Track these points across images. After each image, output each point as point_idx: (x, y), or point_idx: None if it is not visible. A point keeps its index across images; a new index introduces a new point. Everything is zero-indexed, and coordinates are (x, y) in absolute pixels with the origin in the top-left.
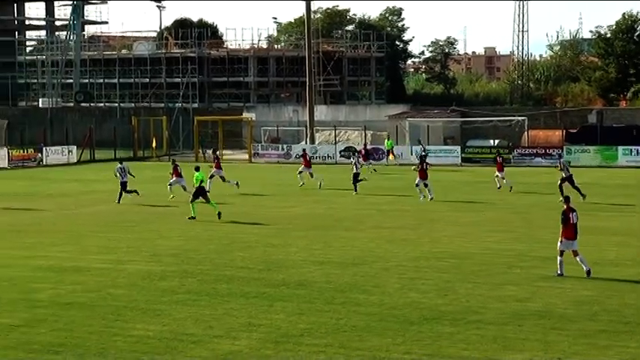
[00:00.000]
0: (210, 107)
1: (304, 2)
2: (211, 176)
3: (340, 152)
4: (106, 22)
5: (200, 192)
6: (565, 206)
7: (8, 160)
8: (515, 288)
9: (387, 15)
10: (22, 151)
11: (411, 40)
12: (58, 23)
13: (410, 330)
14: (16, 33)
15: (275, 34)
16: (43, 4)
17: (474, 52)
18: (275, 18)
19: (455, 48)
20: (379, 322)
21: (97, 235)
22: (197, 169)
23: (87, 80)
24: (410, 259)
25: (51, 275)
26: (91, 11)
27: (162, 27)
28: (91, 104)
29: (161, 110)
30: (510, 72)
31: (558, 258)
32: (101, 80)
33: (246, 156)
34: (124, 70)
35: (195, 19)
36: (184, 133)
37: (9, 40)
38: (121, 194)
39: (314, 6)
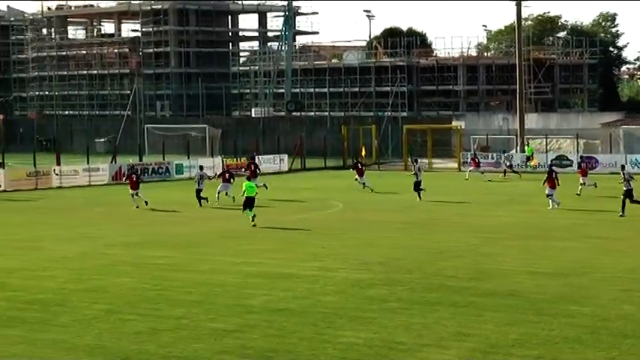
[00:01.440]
0: (419, 116)
1: (515, 9)
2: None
3: (551, 161)
4: (317, 33)
5: (249, 201)
6: None
7: (222, 168)
8: None
9: (600, 21)
10: (235, 159)
11: (625, 46)
12: (270, 34)
13: (624, 343)
14: (230, 44)
15: (485, 41)
16: (256, 16)
17: None
18: (485, 26)
19: None
20: (592, 334)
21: (306, 242)
22: (249, 178)
23: (297, 90)
24: (625, 271)
25: (263, 282)
26: (302, 22)
27: (372, 36)
28: (302, 113)
29: (370, 119)
30: None
31: None
32: (312, 90)
33: (455, 164)
34: (334, 80)
35: (404, 27)
36: (393, 142)
37: (223, 51)
38: (200, 199)
39: (525, 13)
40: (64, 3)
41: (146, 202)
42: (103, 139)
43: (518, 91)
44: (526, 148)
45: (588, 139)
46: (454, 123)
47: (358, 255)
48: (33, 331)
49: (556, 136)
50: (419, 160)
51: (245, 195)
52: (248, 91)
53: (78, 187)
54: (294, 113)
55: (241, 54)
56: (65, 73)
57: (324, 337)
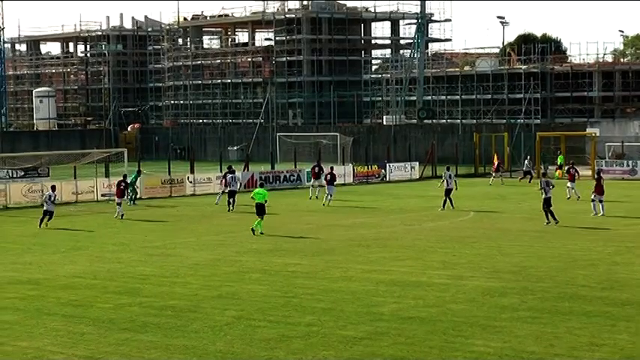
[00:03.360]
0: (553, 123)
1: None
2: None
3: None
4: (449, 40)
5: (258, 208)
6: None
7: (353, 175)
8: None
9: None
10: (366, 167)
11: None
12: (402, 42)
13: None
14: (362, 52)
15: (621, 47)
16: (388, 24)
17: None
18: (621, 31)
19: None
20: None
21: (437, 250)
22: (261, 185)
23: (429, 97)
24: None
25: (393, 289)
26: (434, 29)
27: (506, 43)
28: (433, 121)
29: (503, 126)
30: None
31: None
32: (443, 97)
33: (589, 172)
34: (466, 87)
35: (538, 33)
36: (526, 150)
37: (356, 59)
38: (230, 202)
39: None
40: (199, 13)
41: (122, 216)
42: (235, 147)
43: None
44: (559, 157)
45: None
46: (588, 130)
47: (489, 263)
48: (166, 336)
49: None
50: (450, 168)
51: (254, 201)
52: (380, 98)
53: (211, 195)
54: (425, 121)
55: (373, 62)
56: (200, 82)
57: (455, 345)
